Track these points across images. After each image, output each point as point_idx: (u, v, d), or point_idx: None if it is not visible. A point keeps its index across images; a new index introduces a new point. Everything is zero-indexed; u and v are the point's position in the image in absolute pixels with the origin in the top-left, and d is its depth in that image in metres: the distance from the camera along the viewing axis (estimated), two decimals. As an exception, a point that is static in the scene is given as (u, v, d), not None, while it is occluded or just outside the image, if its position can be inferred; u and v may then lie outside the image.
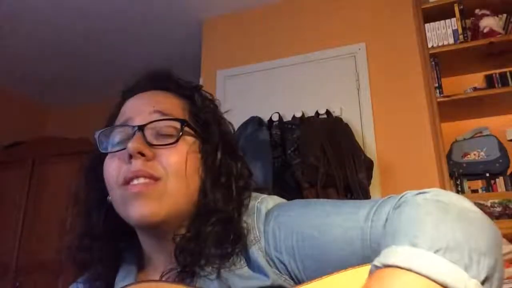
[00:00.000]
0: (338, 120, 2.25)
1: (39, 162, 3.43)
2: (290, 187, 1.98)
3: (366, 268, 0.47)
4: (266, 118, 2.31)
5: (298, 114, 2.29)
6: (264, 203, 0.63)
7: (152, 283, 0.58)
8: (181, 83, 0.70)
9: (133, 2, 2.84)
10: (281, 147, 2.10)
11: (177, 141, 0.61)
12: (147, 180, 0.58)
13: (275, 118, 2.29)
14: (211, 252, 0.58)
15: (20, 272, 3.17)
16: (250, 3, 2.85)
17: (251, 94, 2.62)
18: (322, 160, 1.95)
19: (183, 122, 0.62)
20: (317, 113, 2.32)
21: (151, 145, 0.60)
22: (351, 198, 1.95)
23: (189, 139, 0.63)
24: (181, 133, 0.61)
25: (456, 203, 0.48)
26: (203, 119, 0.66)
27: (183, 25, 3.08)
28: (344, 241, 0.53)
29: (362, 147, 2.21)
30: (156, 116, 0.62)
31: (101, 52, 3.42)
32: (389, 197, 0.54)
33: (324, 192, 1.92)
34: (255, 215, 0.62)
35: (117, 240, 0.66)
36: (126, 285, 0.56)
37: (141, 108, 0.64)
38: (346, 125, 2.21)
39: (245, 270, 0.58)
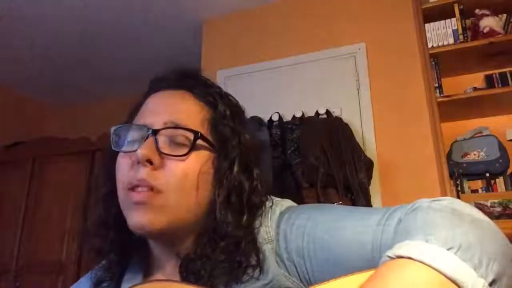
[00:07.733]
0: (338, 120, 2.24)
1: (39, 162, 3.43)
2: (290, 187, 1.98)
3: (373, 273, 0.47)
4: (266, 118, 2.31)
5: (298, 114, 2.29)
6: (278, 205, 0.64)
7: (164, 283, 0.58)
8: (207, 88, 0.68)
9: (133, 2, 2.84)
10: (281, 147, 2.10)
11: (188, 153, 0.59)
12: (149, 191, 0.58)
13: (275, 118, 2.29)
14: (215, 273, 0.57)
15: (20, 272, 3.17)
16: (250, 3, 2.85)
17: (251, 94, 2.62)
18: (322, 160, 1.95)
19: (196, 134, 0.60)
20: (317, 113, 2.32)
21: (161, 152, 0.59)
22: (351, 198, 1.95)
23: (203, 152, 0.61)
24: (192, 146, 0.59)
25: (470, 213, 0.49)
26: (222, 131, 0.64)
27: (183, 26, 3.08)
28: (355, 244, 0.54)
29: (362, 147, 2.20)
30: (171, 124, 0.61)
31: (101, 52, 3.42)
32: (402, 205, 0.55)
33: (324, 192, 1.92)
34: (269, 215, 0.62)
35: (130, 233, 0.65)
36: (136, 284, 0.56)
37: (159, 111, 0.63)
38: (346, 125, 2.21)
39: (258, 284, 0.57)
